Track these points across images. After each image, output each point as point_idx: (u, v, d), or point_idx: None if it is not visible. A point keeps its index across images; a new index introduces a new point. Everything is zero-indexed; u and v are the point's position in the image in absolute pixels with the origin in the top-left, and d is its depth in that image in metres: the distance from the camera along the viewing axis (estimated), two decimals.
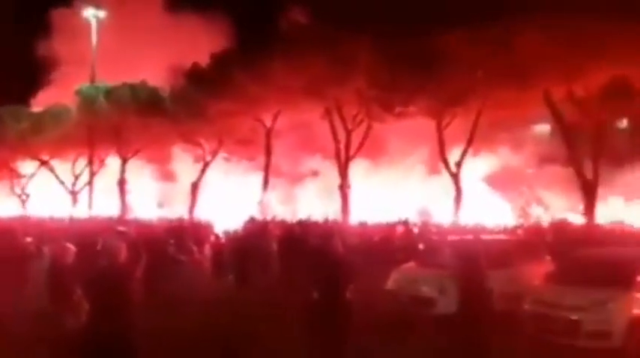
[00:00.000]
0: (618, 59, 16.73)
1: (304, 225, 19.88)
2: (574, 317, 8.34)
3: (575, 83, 19.04)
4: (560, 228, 16.78)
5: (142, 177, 30.66)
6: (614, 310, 8.20)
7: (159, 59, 31.56)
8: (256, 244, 14.54)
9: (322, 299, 7.44)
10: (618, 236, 16.31)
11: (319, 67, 19.65)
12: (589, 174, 19.60)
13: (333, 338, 7.32)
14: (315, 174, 26.90)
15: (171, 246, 14.01)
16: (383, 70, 18.62)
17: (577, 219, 19.38)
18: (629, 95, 18.44)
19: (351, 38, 19.12)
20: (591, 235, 15.14)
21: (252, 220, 18.10)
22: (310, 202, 25.60)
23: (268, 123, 25.21)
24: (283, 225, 18.66)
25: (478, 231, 17.69)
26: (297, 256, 13.87)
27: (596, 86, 18.97)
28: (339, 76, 19.52)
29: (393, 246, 16.12)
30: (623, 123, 24.83)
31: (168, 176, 31.02)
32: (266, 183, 25.55)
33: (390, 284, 11.17)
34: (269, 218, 20.87)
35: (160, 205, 29.83)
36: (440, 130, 21.77)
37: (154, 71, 29.69)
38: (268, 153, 25.57)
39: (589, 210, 19.22)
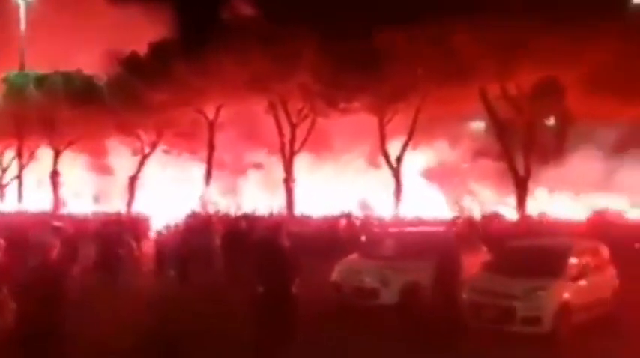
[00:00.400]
0: (547, 60, 17.60)
1: (249, 219, 19.67)
2: (508, 304, 8.69)
3: (509, 82, 19.88)
4: (494, 220, 17.48)
5: (76, 171, 29.17)
6: (545, 297, 8.60)
7: (95, 46, 29.96)
8: (199, 239, 14.19)
9: (268, 293, 7.34)
10: (546, 227, 17.25)
11: (263, 60, 19.44)
12: (520, 169, 20.54)
13: (279, 331, 7.25)
14: (259, 167, 26.58)
15: (109, 241, 13.42)
16: (327, 66, 18.69)
17: (509, 211, 20.30)
18: (557, 94, 19.45)
19: (295, 33, 19.05)
20: (523, 226, 15.86)
21: (193, 215, 17.65)
22: (254, 196, 25.32)
23: (211, 116, 24.63)
24: (227, 219, 18.34)
25: (417, 223, 18.16)
26: (241, 251, 13.68)
27: (528, 85, 19.91)
28: (284, 71, 19.41)
29: (337, 238, 16.29)
30: (551, 120, 26.21)
31: (104, 169, 29.65)
32: (208, 176, 24.99)
33: (335, 276, 11.22)
34: (212, 212, 20.46)
35: (96, 199, 28.51)
36: (382, 126, 22.11)
37: (90, 59, 28.18)
38: (211, 146, 25.01)
39: (520, 202, 20.17)
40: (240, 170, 26.79)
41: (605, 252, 10.03)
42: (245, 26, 20.46)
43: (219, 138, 25.12)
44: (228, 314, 9.57)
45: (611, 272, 9.89)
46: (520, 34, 17.00)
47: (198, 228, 15.36)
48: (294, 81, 19.73)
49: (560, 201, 22.20)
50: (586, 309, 8.90)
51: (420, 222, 18.93)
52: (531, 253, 9.85)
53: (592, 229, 16.05)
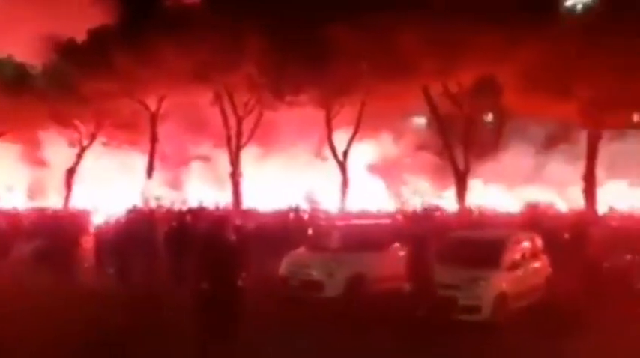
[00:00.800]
0: (486, 58, 18.16)
1: (193, 214, 19.14)
2: (450, 294, 8.91)
3: (450, 79, 20.40)
4: (435, 212, 17.90)
5: (7, 163, 27.34)
6: (484, 287, 8.88)
7: (28, 32, 28.08)
8: (140, 235, 13.62)
9: (212, 288, 7.14)
10: (484, 219, 17.87)
11: (208, 50, 18.89)
12: (460, 163, 21.16)
13: (224, 327, 7.06)
14: (204, 160, 25.91)
15: (46, 237, 12.66)
16: (273, 58, 18.42)
17: (450, 203, 20.89)
18: (495, 91, 20.15)
19: (241, 23, 18.65)
20: (463, 218, 16.32)
21: (135, 209, 16.94)
22: (200, 190, 24.71)
23: (153, 107, 23.73)
24: (170, 214, 17.76)
25: (363, 216, 18.33)
26: (185, 246, 13.29)
27: (468, 82, 20.51)
28: (229, 62, 18.96)
29: (285, 232, 16.13)
30: (489, 117, 27.22)
31: (39, 161, 27.99)
32: (151, 170, 24.09)
33: (282, 269, 11.13)
34: (154, 207, 19.76)
35: (31, 193, 26.89)
36: (328, 119, 22.13)
37: (22, 45, 26.40)
38: (153, 138, 24.11)
39: (460, 195, 20.79)
40: (184, 163, 26.04)
41: (538, 242, 10.49)
42: (189, 15, 19.81)
43: (163, 131, 24.29)
44: (169, 312, 9.26)
45: (544, 261, 10.36)
46: (461, 32, 17.41)
47: (140, 224, 14.75)
48: (240, 72, 19.31)
49: (495, 193, 23.10)
50: (522, 297, 9.28)
51: (366, 214, 19.13)
52: (471, 244, 10.15)
53: (526, 221, 16.81)
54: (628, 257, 8.98)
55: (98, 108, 22.83)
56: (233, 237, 7.54)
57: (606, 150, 20.19)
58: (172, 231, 13.42)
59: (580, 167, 20.36)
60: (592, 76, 16.61)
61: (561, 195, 21.68)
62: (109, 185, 23.59)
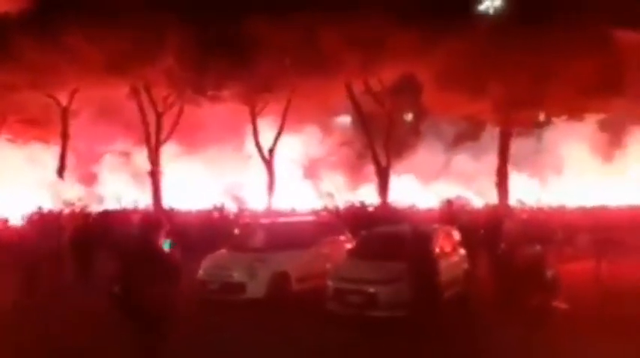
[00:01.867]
0: (406, 57, 18.42)
1: (108, 215, 17.87)
2: (372, 290, 8.73)
3: (372, 77, 20.52)
4: (360, 209, 17.89)
5: None
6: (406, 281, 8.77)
7: None
8: (45, 240, 12.38)
9: (125, 294, 6.41)
10: (404, 214, 18.10)
11: (124, 41, 17.64)
12: (383, 160, 21.37)
13: (140, 334, 6.38)
14: (122, 158, 24.30)
15: None
16: (195, 51, 17.53)
17: (373, 199, 21.02)
18: (414, 90, 20.52)
19: (160, 13, 17.60)
20: (385, 214, 16.39)
21: (39, 212, 15.44)
22: (118, 189, 23.19)
23: (64, 102, 21.87)
24: (81, 215, 16.43)
25: (289, 214, 17.98)
26: (96, 250, 12.29)
27: (389, 81, 20.74)
28: (147, 54, 17.79)
29: (209, 232, 15.39)
30: (409, 115, 27.85)
31: None
32: (62, 169, 22.17)
33: (201, 272, 10.49)
34: (65, 208, 18.19)
35: None
36: (253, 116, 21.52)
37: None
38: (64, 135, 22.20)
39: (382, 191, 20.99)
40: (100, 161, 24.29)
41: (457, 236, 10.61)
42: (103, 3, 18.38)
43: (76, 127, 22.45)
44: (77, 323, 8.38)
45: (462, 255, 10.48)
46: (381, 30, 17.53)
47: (46, 228, 13.46)
48: (159, 66, 18.20)
49: (413, 189, 23.62)
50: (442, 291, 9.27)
51: (292, 212, 18.78)
52: (392, 239, 10.06)
53: (444, 216, 17.20)
54: (538, 247, 9.19)
55: (1, 102, 20.65)
56: (153, 239, 6.82)
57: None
58: (81, 235, 12.31)
59: (486, 162, 21.39)
60: (504, 76, 17.28)
61: (473, 190, 22.50)
62: (13, 185, 21.45)
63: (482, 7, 20.25)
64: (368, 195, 21.12)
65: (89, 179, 23.70)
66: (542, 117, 22.91)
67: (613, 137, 23.31)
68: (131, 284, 6.32)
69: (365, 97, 21.64)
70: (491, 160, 23.07)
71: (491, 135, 24.65)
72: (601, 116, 22.10)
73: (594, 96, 17.87)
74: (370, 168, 22.95)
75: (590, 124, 21.80)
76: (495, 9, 20.26)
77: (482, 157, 24.59)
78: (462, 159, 25.48)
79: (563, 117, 21.08)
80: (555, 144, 23.76)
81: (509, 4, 19.61)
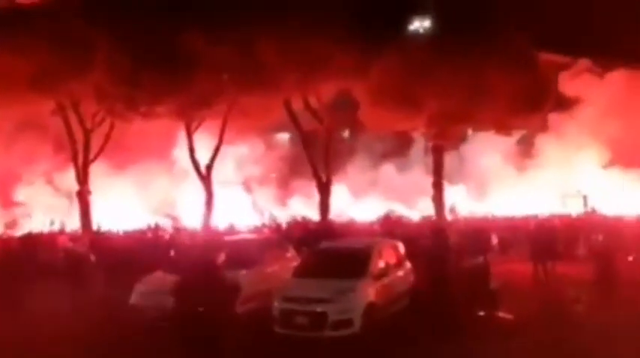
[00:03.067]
0: (341, 74, 18.33)
1: (30, 240, 16.29)
2: (319, 309, 8.23)
3: (309, 93, 20.27)
4: (302, 224, 17.45)
5: None
6: (354, 298, 8.36)
7: None
8: None
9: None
10: (346, 228, 17.88)
11: (48, 55, 16.25)
12: (323, 176, 21.05)
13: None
14: (46, 178, 22.28)
15: None
16: (126, 65, 16.41)
17: (314, 215, 20.63)
18: (351, 106, 20.49)
19: (89, 25, 16.39)
20: (328, 229, 16.02)
21: None
22: (45, 211, 21.27)
23: None
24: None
25: (230, 232, 17.19)
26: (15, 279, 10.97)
27: (327, 97, 20.58)
28: (73, 68, 16.45)
29: (142, 253, 14.27)
30: (346, 132, 27.91)
31: None
32: None
33: (135, 297, 9.52)
34: None
35: None
36: (189, 132, 20.54)
37: None
38: None
39: (324, 206, 20.63)
40: (22, 181, 22.15)
41: (402, 249, 10.36)
42: (26, 16, 16.89)
43: None
44: None
45: (408, 268, 10.23)
46: (319, 48, 17.35)
47: None
48: (87, 80, 16.86)
49: (346, 202, 23.58)
50: (389, 306, 8.94)
51: (231, 230, 17.97)
52: (338, 255, 9.65)
53: (384, 229, 17.14)
54: (481, 259, 9.12)
55: None
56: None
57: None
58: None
59: (412, 176, 21.64)
60: (436, 92, 17.59)
61: (402, 202, 22.80)
62: None
63: (412, 27, 20.67)
64: (301, 210, 20.70)
65: (11, 201, 21.59)
66: (469, 131, 23.59)
67: (525, 148, 24.38)
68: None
69: (304, 114, 21.32)
70: (416, 174, 23.70)
71: (417, 149, 25.44)
72: (523, 131, 23.17)
73: (520, 112, 18.59)
74: (299, 183, 22.33)
75: (502, 137, 22.69)
76: (425, 29, 20.78)
77: (407, 171, 25.20)
78: (389, 173, 25.93)
79: (491, 132, 21.78)
80: (473, 156, 24.66)
81: (438, 24, 20.15)
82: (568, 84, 23.52)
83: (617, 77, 23.70)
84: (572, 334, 8.20)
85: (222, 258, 7.79)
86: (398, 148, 26.16)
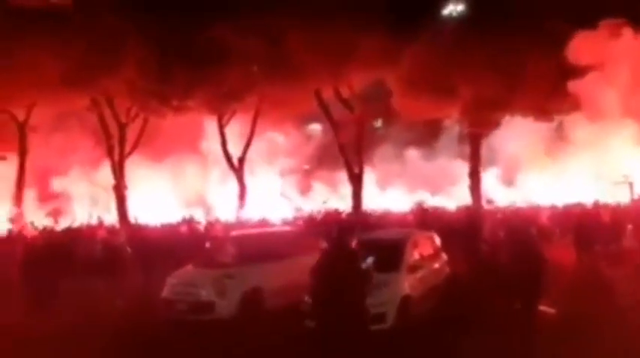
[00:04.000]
0: (373, 62, 17.82)
1: (72, 233, 16.55)
2: None
3: (341, 83, 19.83)
4: (335, 216, 17.09)
5: None
6: (388, 292, 7.96)
7: None
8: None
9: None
10: (380, 219, 17.39)
11: (82, 52, 16.41)
12: (356, 167, 20.63)
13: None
14: (85, 173, 22.71)
15: None
16: (156, 60, 16.43)
17: (347, 207, 20.21)
18: (385, 95, 19.95)
19: (120, 22, 16.48)
20: (363, 221, 15.61)
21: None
22: (83, 205, 21.70)
23: (21, 117, 20.33)
24: (41, 235, 15.07)
25: (262, 225, 17.01)
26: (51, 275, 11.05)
27: (359, 87, 20.10)
28: (107, 65, 16.58)
29: (176, 247, 14.26)
30: (379, 122, 27.31)
31: None
32: (21, 186, 20.55)
33: (166, 291, 9.43)
34: (27, 228, 16.74)
35: None
36: (221, 126, 20.51)
37: None
38: (23, 151, 20.62)
39: (356, 197, 20.21)
40: (63, 177, 22.66)
41: (437, 241, 9.88)
42: (60, 14, 17.12)
43: (34, 142, 20.85)
44: None
45: (444, 259, 9.74)
46: (349, 37, 16.91)
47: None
48: (120, 76, 16.99)
49: (381, 195, 23.00)
50: (425, 300, 8.50)
51: (266, 223, 17.79)
52: (371, 247, 9.23)
53: (418, 220, 16.58)
54: (519, 249, 8.46)
55: None
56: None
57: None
58: (33, 257, 11.06)
59: (442, 164, 20.35)
60: (472, 78, 16.86)
61: (434, 192, 21.97)
62: None
63: (445, 12, 19.92)
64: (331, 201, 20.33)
65: (50, 195, 22.13)
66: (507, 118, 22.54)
67: (557, 134, 22.39)
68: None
69: (335, 104, 20.92)
70: (444, 162, 22.74)
71: (445, 137, 24.50)
72: (562, 117, 21.79)
73: (560, 97, 17.61)
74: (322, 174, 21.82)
75: (533, 123, 21.10)
76: (458, 13, 19.98)
77: (435, 159, 24.28)
78: (417, 162, 25.12)
79: (530, 118, 20.74)
80: (504, 142, 23.02)
81: (471, 7, 19.34)
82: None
83: None
84: (616, 332, 7.52)
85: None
86: (427, 136, 25.32)
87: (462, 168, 21.02)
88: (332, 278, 6.24)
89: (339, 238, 6.48)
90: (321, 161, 25.22)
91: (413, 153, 25.76)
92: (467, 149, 20.72)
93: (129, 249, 14.23)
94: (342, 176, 21.65)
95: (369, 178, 22.23)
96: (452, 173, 22.22)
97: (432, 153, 25.24)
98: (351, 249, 6.67)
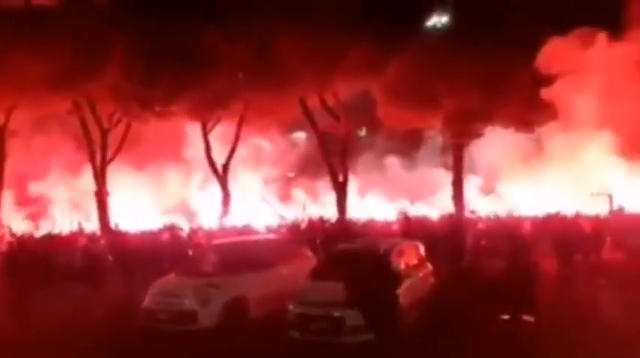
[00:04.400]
0: (359, 71, 17.86)
1: (49, 240, 16.15)
2: (336, 314, 7.79)
3: (326, 92, 19.83)
4: (319, 224, 16.98)
5: None
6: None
7: None
8: None
9: None
10: (364, 228, 17.34)
11: (64, 55, 16.10)
12: (340, 175, 20.58)
13: None
14: (65, 179, 22.21)
15: None
16: (140, 64, 16.19)
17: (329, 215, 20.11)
18: (368, 104, 20.00)
19: (104, 25, 16.22)
20: (347, 230, 15.55)
21: None
22: (64, 212, 21.21)
23: (1, 120, 19.83)
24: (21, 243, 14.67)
25: (247, 232, 16.84)
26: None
27: (344, 95, 20.12)
28: (90, 68, 16.29)
29: (158, 255, 14.00)
30: (363, 130, 27.35)
31: None
32: None
33: (147, 301, 9.21)
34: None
35: None
36: (205, 132, 20.29)
37: None
38: (1, 156, 20.08)
39: (341, 206, 20.16)
40: (40, 181, 22.11)
41: (422, 250, 9.86)
42: (42, 16, 16.79)
43: (12, 146, 20.33)
44: None
45: (429, 269, 9.73)
46: (335, 45, 16.94)
47: None
48: (103, 80, 16.69)
49: (360, 202, 22.94)
50: (411, 309, 8.45)
51: (248, 230, 17.61)
52: (355, 256, 9.18)
53: (403, 229, 16.57)
54: (506, 259, 8.52)
55: None
56: None
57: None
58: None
59: (422, 173, 20.20)
60: (454, 89, 17.02)
61: (414, 201, 22.01)
62: None
63: (429, 23, 20.13)
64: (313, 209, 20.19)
65: (29, 199, 21.59)
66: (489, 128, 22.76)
67: (537, 145, 22.67)
68: None
69: (320, 112, 20.89)
70: (425, 171, 22.83)
71: (426, 146, 24.65)
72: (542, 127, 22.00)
73: (539, 108, 17.84)
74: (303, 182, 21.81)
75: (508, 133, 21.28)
76: (442, 24, 20.21)
77: (416, 169, 24.39)
78: (400, 171, 25.20)
79: (511, 129, 20.94)
80: (485, 153, 23.16)
81: (456, 20, 19.57)
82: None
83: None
84: (595, 338, 7.57)
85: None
86: (408, 146, 25.45)
87: (443, 177, 21.17)
88: None
89: None
90: (304, 169, 25.16)
91: (394, 162, 25.85)
92: (448, 159, 20.89)
93: (110, 257, 14.00)
94: (324, 184, 21.60)
95: (351, 186, 22.22)
96: (432, 182, 22.28)
97: (413, 162, 25.36)
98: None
